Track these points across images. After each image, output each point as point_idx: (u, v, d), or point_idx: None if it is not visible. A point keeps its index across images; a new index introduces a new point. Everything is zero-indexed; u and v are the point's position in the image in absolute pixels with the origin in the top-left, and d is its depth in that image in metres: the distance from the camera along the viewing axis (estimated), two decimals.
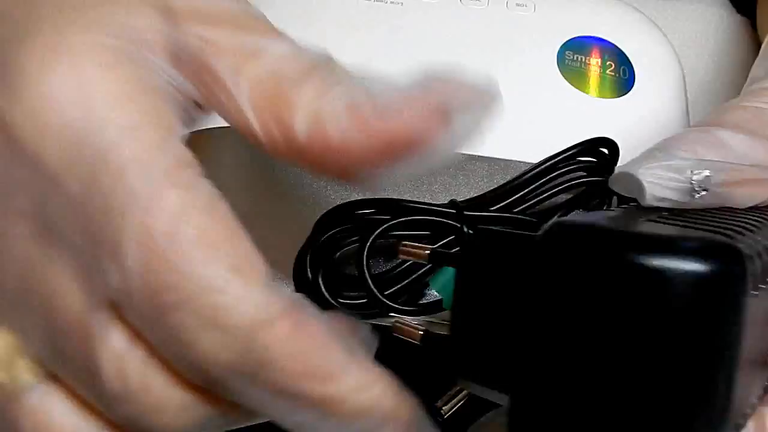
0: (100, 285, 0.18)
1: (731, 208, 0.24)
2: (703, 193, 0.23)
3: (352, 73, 0.20)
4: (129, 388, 0.18)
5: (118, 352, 0.18)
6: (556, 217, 0.22)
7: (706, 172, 0.23)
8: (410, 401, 0.20)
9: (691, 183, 0.23)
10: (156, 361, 0.19)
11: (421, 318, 0.29)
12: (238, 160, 0.34)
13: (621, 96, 0.38)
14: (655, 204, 0.23)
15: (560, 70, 0.37)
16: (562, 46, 0.38)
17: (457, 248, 0.23)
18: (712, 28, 0.57)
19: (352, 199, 0.32)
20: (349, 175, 0.19)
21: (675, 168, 0.23)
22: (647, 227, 0.19)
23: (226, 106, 0.20)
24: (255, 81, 0.19)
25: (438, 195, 0.35)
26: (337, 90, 0.19)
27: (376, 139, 0.19)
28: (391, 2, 0.39)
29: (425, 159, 0.19)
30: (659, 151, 0.24)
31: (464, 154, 0.34)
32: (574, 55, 0.38)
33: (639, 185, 0.23)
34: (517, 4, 0.39)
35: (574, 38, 0.38)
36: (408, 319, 0.25)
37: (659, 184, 0.23)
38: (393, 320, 0.25)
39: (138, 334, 0.19)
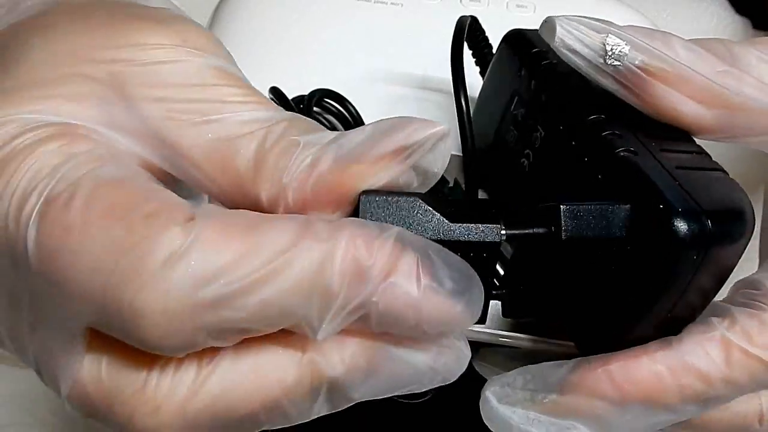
0: None
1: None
2: (616, 63, 0.24)
3: (315, 126, 0.22)
4: None
5: None
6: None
7: (623, 44, 0.24)
8: None
9: (603, 44, 0.24)
10: None
11: None
12: None
13: None
14: (564, 52, 0.24)
15: None
16: None
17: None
18: (712, 28, 0.57)
19: None
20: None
21: (592, 26, 0.24)
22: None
23: (191, 178, 0.21)
24: (210, 150, 0.21)
25: None
26: (299, 153, 0.21)
27: (333, 193, 0.21)
28: (392, 3, 0.39)
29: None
30: (600, 21, 0.25)
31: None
32: None
33: (553, 29, 0.24)
34: (518, 6, 0.39)
35: None
36: None
37: (572, 34, 0.24)
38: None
39: None
